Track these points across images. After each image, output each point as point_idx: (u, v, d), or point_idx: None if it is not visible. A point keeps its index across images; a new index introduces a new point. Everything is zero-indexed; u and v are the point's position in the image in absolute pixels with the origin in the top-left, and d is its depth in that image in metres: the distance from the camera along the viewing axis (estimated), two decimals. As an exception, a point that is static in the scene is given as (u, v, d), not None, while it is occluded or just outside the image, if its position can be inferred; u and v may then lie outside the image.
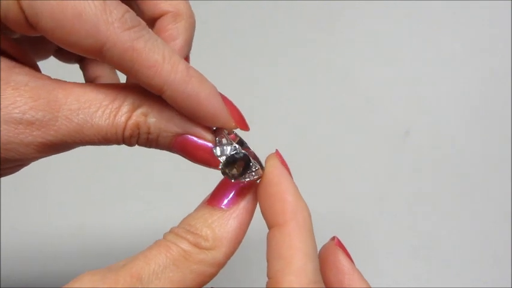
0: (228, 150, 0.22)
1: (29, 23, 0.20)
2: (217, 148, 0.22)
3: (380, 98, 0.56)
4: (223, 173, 0.22)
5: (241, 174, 0.22)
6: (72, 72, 0.32)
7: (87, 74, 0.31)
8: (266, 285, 0.21)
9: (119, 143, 0.22)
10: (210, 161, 0.22)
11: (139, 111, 0.22)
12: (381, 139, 0.54)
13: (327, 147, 0.54)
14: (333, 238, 0.25)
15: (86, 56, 0.21)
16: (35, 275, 0.49)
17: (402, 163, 0.53)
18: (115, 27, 0.20)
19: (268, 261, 0.21)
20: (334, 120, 0.55)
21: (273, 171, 0.22)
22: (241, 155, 0.22)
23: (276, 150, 0.23)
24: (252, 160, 0.22)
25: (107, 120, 0.21)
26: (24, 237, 0.51)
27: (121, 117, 0.21)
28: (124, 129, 0.21)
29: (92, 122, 0.21)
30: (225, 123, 0.22)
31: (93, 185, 0.53)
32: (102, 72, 0.31)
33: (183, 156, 0.23)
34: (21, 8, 0.20)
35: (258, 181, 0.22)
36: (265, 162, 0.22)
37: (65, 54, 0.32)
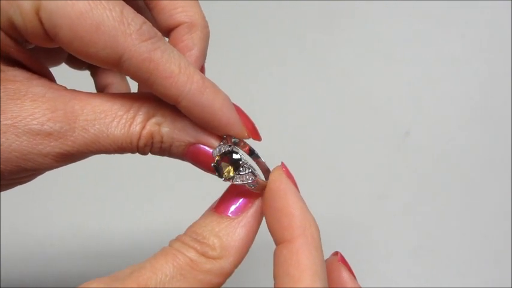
0: (223, 148, 0.22)
1: (47, 35, 0.21)
2: (216, 149, 0.22)
3: (380, 98, 0.56)
4: (215, 168, 0.22)
5: (233, 174, 0.22)
6: (83, 78, 0.32)
7: (98, 81, 0.32)
8: None
9: (133, 152, 0.22)
10: None
11: (153, 120, 0.22)
12: (381, 139, 0.54)
13: (327, 148, 0.54)
14: (336, 253, 0.25)
15: (102, 66, 0.22)
16: (35, 275, 0.49)
17: (402, 163, 0.53)
18: (133, 38, 0.20)
19: (275, 278, 0.20)
20: (334, 121, 0.55)
21: (279, 185, 0.22)
22: (233, 153, 0.22)
23: (282, 162, 0.23)
24: (242, 161, 0.22)
25: (122, 130, 0.22)
26: (24, 237, 0.51)
27: (136, 127, 0.22)
28: (138, 139, 0.22)
29: (107, 132, 0.21)
30: (238, 132, 0.23)
31: (94, 185, 0.53)
32: (113, 80, 0.31)
33: (194, 165, 0.23)
34: (40, 21, 0.20)
35: (253, 187, 0.22)
36: (270, 174, 0.22)
37: (77, 62, 0.32)
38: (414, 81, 0.56)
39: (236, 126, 0.22)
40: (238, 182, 0.22)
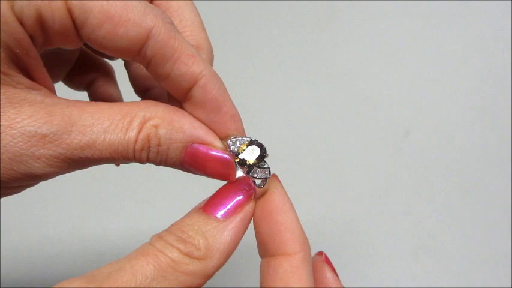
0: (245, 140, 0.23)
1: (74, 27, 0.21)
2: (232, 140, 0.23)
3: (380, 98, 0.56)
4: (237, 156, 0.22)
5: (256, 164, 0.22)
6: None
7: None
8: None
9: (129, 159, 0.22)
10: (221, 171, 0.22)
11: (150, 123, 0.22)
12: (381, 139, 0.54)
13: (328, 148, 0.54)
14: (320, 253, 0.26)
15: (126, 56, 0.22)
16: (35, 275, 0.49)
17: (402, 163, 0.53)
18: (159, 18, 0.22)
19: (269, 286, 0.21)
20: (335, 121, 0.55)
21: (282, 198, 0.22)
22: (261, 145, 0.22)
23: (275, 174, 0.23)
24: (266, 153, 0.22)
25: (119, 134, 0.22)
26: (24, 237, 0.51)
27: (132, 131, 0.22)
28: (135, 142, 0.22)
29: (104, 136, 0.21)
30: (240, 127, 0.23)
31: (94, 186, 0.53)
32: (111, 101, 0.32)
33: (194, 170, 0.23)
34: (69, 12, 0.21)
35: (262, 186, 0.22)
36: (270, 184, 0.23)
37: (75, 80, 0.32)
38: (414, 81, 0.56)
39: (239, 120, 0.23)
40: (255, 175, 0.22)
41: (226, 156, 0.22)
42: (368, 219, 0.51)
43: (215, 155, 0.22)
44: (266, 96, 0.57)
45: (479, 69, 0.56)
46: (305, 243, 0.22)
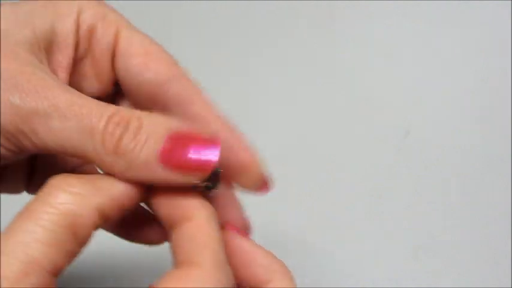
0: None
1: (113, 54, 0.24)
2: None
3: (380, 98, 0.56)
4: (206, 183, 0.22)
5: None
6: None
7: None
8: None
9: (93, 133, 0.20)
10: (205, 151, 0.20)
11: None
12: (381, 139, 0.54)
13: (327, 147, 0.54)
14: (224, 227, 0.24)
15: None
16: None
17: (402, 163, 0.53)
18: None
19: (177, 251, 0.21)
20: (334, 120, 0.55)
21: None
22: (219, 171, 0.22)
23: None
24: (211, 184, 0.22)
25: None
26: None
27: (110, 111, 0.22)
28: (112, 116, 0.20)
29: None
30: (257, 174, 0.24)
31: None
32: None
33: (172, 168, 0.20)
34: (115, 36, 0.24)
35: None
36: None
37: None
38: (414, 81, 0.56)
39: (257, 165, 0.23)
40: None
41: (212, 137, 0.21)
42: (368, 219, 0.51)
43: (199, 134, 0.20)
44: (265, 95, 0.57)
45: (479, 69, 0.56)
46: (202, 207, 0.21)
